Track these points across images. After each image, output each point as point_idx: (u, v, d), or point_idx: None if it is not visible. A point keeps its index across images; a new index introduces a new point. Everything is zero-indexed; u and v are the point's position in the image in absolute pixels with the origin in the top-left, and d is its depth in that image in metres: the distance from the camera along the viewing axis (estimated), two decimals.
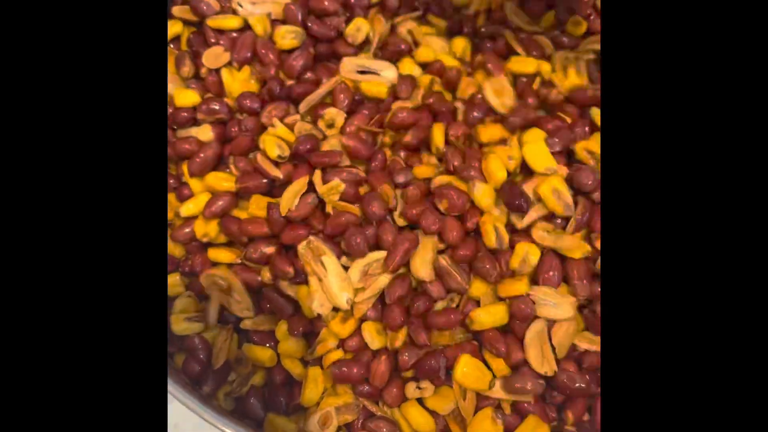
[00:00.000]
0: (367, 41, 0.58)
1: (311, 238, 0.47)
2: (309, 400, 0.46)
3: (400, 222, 0.48)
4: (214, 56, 0.55)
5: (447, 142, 0.51)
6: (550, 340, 0.46)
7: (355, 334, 0.47)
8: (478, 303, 0.47)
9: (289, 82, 0.56)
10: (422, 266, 0.46)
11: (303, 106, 0.54)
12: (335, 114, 0.53)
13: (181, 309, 0.50)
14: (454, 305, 0.47)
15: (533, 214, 0.47)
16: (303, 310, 0.48)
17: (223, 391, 0.47)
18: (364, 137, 0.52)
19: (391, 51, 0.57)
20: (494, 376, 0.45)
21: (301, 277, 0.48)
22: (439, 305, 0.47)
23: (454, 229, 0.46)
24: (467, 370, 0.44)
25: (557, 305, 0.46)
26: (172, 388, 0.42)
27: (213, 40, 0.56)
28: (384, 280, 0.46)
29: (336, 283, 0.46)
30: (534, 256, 0.46)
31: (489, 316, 0.45)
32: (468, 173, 0.48)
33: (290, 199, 0.48)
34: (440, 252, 0.47)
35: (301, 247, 0.47)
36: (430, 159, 0.52)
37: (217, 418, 0.40)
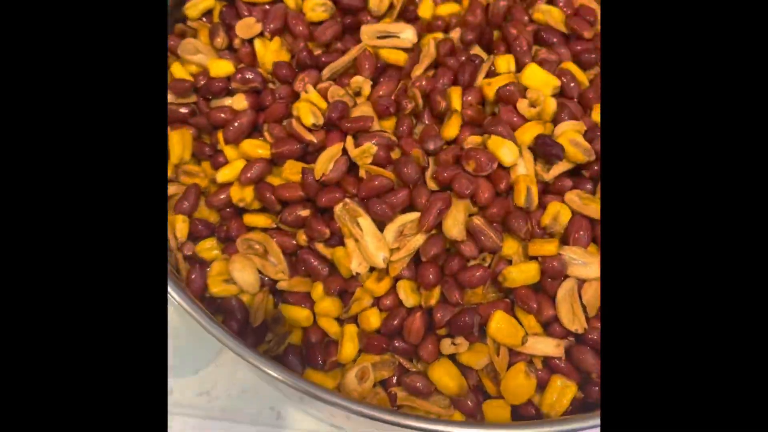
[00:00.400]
0: (392, 8, 0.59)
1: (347, 200, 0.48)
2: (346, 357, 0.47)
3: (432, 185, 0.49)
4: (246, 27, 0.57)
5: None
6: (581, 298, 0.47)
7: (389, 293, 0.48)
8: (509, 263, 0.48)
9: (318, 52, 0.57)
10: (454, 226, 0.47)
11: (326, 73, 0.55)
12: (362, 82, 0.54)
13: (217, 272, 0.51)
14: (486, 265, 0.48)
15: (560, 166, 0.48)
16: (339, 270, 0.49)
17: (261, 349, 0.49)
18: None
19: (411, 13, 0.59)
20: (526, 333, 0.46)
21: (335, 239, 0.49)
22: (472, 264, 0.48)
23: (486, 190, 0.47)
24: (501, 325, 0.45)
25: (587, 264, 0.47)
26: (221, 335, 0.42)
27: (246, 13, 0.58)
28: (419, 240, 0.47)
29: (372, 243, 0.47)
30: (565, 216, 0.47)
31: (521, 273, 0.46)
32: (496, 129, 0.49)
33: (325, 164, 0.49)
34: (471, 214, 0.48)
35: (338, 209, 0.48)
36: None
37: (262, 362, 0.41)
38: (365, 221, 0.47)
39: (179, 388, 0.66)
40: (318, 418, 0.64)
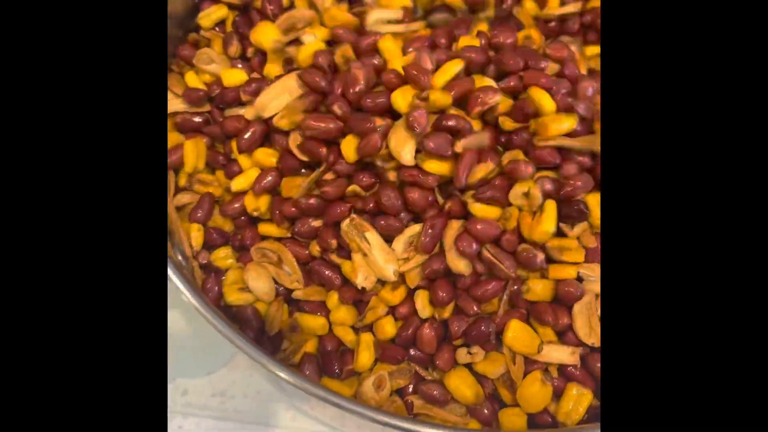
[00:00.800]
0: None
1: (353, 215, 0.49)
2: (362, 366, 0.47)
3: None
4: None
5: None
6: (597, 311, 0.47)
7: (405, 302, 0.48)
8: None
9: None
10: (460, 260, 0.46)
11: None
12: None
13: (232, 280, 0.52)
14: None
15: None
16: (351, 281, 0.49)
17: (277, 358, 0.49)
18: None
19: None
20: (542, 341, 0.46)
21: (344, 252, 0.50)
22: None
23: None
24: (517, 334, 0.46)
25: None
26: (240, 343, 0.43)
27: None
28: None
29: (381, 257, 0.47)
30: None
31: (544, 288, 0.47)
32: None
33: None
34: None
35: (345, 225, 0.48)
36: None
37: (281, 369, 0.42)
38: (372, 235, 0.48)
39: (193, 390, 0.67)
40: (330, 426, 0.64)
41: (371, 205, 0.49)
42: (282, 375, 0.41)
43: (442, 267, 0.47)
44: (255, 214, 0.52)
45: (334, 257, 0.50)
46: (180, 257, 0.52)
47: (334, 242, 0.49)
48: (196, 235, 0.53)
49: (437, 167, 0.47)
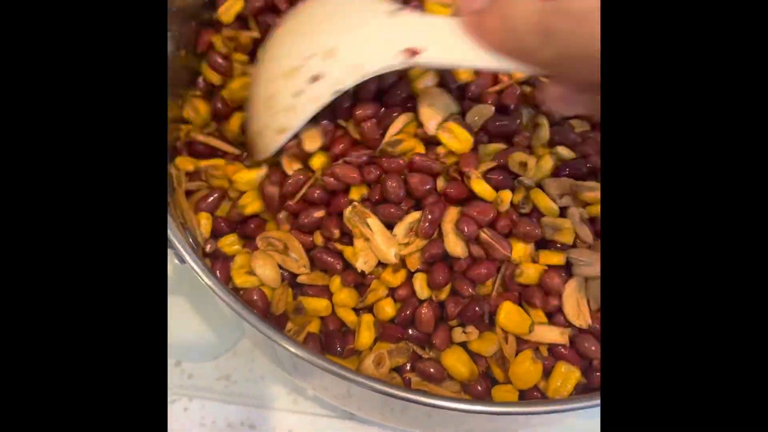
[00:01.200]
0: None
1: (355, 203, 0.51)
2: (363, 345, 0.50)
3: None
4: None
5: None
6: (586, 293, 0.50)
7: (404, 284, 0.51)
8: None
9: None
10: (456, 245, 0.49)
11: None
12: None
13: (240, 264, 0.54)
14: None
15: None
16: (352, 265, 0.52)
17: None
18: None
19: None
20: (533, 322, 0.49)
21: (346, 238, 0.52)
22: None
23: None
24: (509, 315, 0.48)
25: (592, 264, 0.50)
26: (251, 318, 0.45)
27: None
28: None
29: (383, 241, 0.50)
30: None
31: (536, 272, 0.49)
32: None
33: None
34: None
35: (347, 212, 0.51)
36: None
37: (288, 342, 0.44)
38: (374, 221, 0.50)
39: (199, 374, 0.69)
40: (331, 408, 0.67)
41: (376, 196, 0.52)
42: (290, 348, 0.43)
43: (441, 251, 0.49)
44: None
45: (336, 245, 0.52)
46: (192, 240, 0.55)
47: (337, 232, 0.52)
48: (205, 223, 0.56)
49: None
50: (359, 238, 0.51)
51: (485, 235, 0.48)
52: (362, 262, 0.50)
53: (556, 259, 0.50)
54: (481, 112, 0.54)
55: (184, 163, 0.58)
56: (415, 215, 0.51)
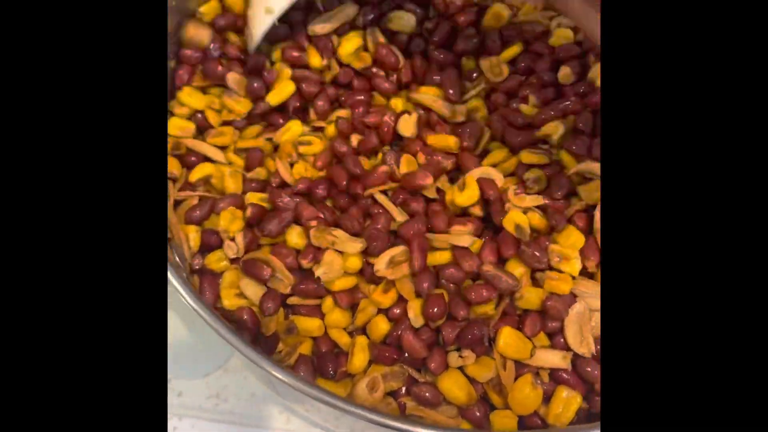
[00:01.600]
0: None
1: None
2: (357, 368, 0.48)
3: None
4: None
5: None
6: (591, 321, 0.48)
7: (397, 304, 0.49)
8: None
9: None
10: None
11: None
12: None
13: (229, 283, 0.52)
14: None
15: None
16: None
17: (274, 359, 0.50)
18: None
19: None
20: (534, 346, 0.47)
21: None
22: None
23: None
24: (509, 341, 0.47)
25: (595, 296, 0.48)
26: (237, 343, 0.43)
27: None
28: None
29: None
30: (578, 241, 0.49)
31: (537, 297, 0.48)
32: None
33: None
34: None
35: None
36: None
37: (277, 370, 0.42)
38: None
39: (189, 391, 0.67)
40: (324, 428, 0.65)
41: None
42: (279, 376, 0.42)
43: (433, 282, 0.48)
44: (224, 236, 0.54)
45: (306, 263, 0.51)
46: (177, 259, 0.53)
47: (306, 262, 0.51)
48: (194, 236, 0.54)
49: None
50: (329, 248, 0.50)
51: (489, 268, 0.48)
52: (322, 271, 0.49)
53: (562, 288, 0.48)
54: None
55: (172, 165, 0.57)
56: (397, 249, 0.50)
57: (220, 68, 0.60)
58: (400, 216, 0.52)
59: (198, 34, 0.60)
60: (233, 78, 0.60)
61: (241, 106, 0.60)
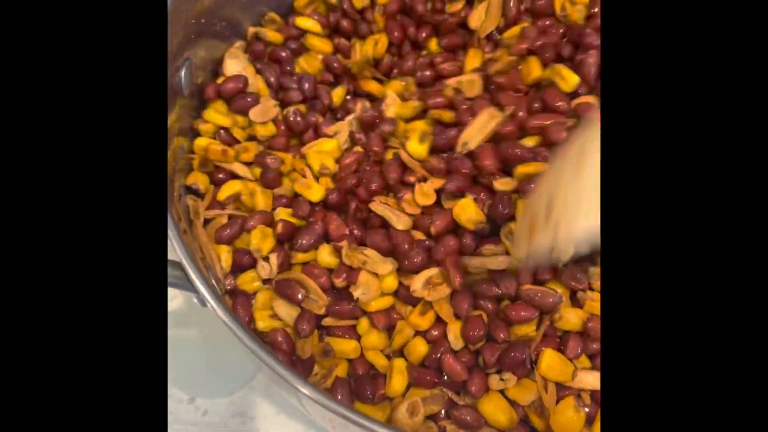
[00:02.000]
0: None
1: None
2: (395, 391, 0.47)
3: None
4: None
5: None
6: None
7: (435, 325, 0.49)
8: None
9: None
10: None
11: None
12: None
13: (262, 304, 0.52)
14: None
15: None
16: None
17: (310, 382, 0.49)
18: None
19: None
20: (576, 368, 0.47)
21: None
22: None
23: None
24: (551, 363, 0.46)
25: None
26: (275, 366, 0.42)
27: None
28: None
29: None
30: None
31: (578, 318, 0.47)
32: None
33: None
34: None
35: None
36: None
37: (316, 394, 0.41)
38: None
39: (213, 410, 0.66)
40: None
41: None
42: (320, 399, 0.41)
43: (472, 303, 0.48)
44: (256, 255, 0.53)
45: (339, 282, 0.51)
46: (213, 280, 0.52)
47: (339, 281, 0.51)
48: (225, 256, 0.53)
49: None
50: (362, 267, 0.50)
51: (527, 287, 0.47)
52: (360, 292, 0.49)
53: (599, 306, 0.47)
54: None
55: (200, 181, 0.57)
56: (432, 270, 0.49)
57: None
58: (399, 224, 0.51)
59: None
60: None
61: (266, 129, 0.60)
